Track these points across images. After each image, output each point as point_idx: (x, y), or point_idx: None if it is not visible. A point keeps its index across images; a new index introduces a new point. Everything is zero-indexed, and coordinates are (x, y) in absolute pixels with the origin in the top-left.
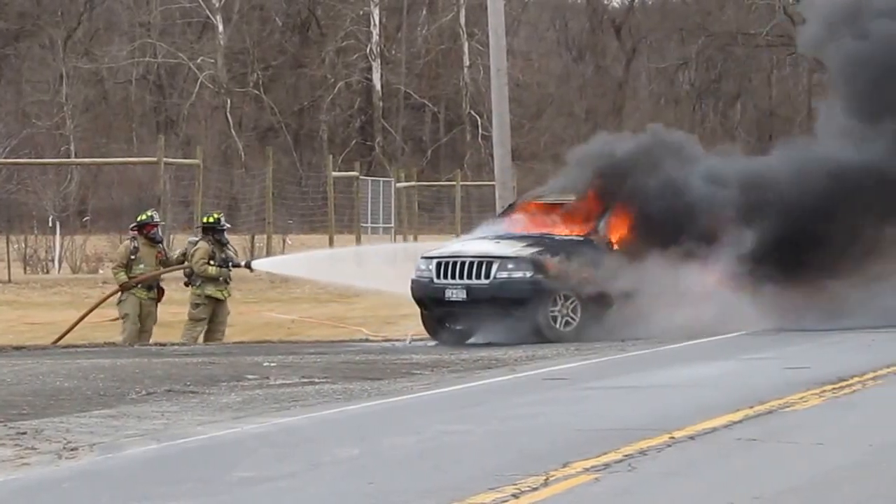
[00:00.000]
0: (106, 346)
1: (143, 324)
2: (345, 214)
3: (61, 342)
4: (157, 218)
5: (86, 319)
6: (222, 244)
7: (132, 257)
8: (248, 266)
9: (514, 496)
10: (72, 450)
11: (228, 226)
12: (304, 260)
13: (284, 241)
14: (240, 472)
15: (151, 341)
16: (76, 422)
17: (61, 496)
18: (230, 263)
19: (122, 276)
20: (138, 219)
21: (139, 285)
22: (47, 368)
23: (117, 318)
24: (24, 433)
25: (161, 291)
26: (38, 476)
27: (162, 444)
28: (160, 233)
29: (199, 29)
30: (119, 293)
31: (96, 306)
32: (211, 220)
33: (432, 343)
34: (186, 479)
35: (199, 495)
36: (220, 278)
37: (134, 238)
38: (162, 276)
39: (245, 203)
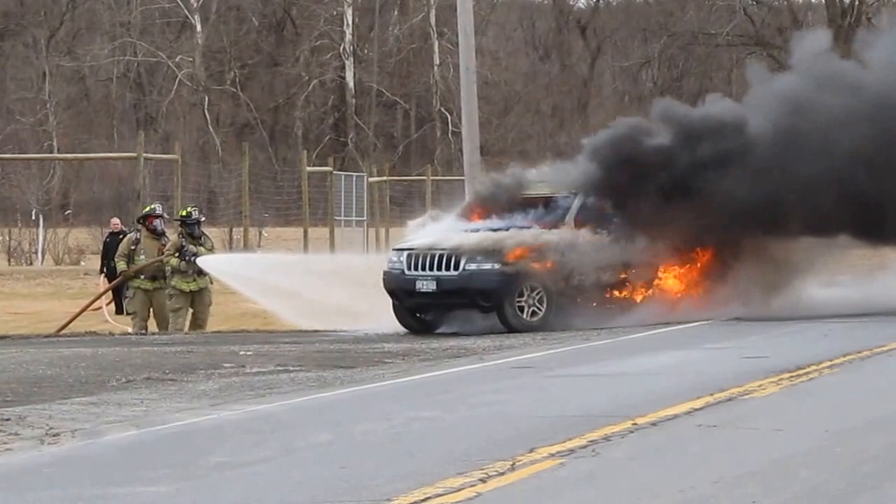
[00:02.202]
0: (87, 335)
1: (158, 313)
2: (319, 208)
3: (51, 332)
4: (159, 210)
5: (75, 310)
6: (194, 237)
7: (133, 248)
8: (193, 260)
9: (482, 480)
10: (54, 436)
11: (202, 219)
12: (240, 264)
13: (261, 233)
14: (216, 457)
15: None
16: (58, 409)
17: (44, 480)
18: (187, 256)
19: (122, 266)
20: (143, 211)
21: (141, 276)
22: (30, 357)
23: (98, 308)
24: (8, 420)
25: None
26: (21, 461)
27: (141, 431)
28: (161, 225)
29: (177, 29)
30: (126, 287)
31: (98, 297)
32: (183, 213)
33: (403, 332)
34: (165, 464)
35: (177, 480)
36: (189, 271)
37: (138, 230)
38: (155, 266)
39: (222, 197)
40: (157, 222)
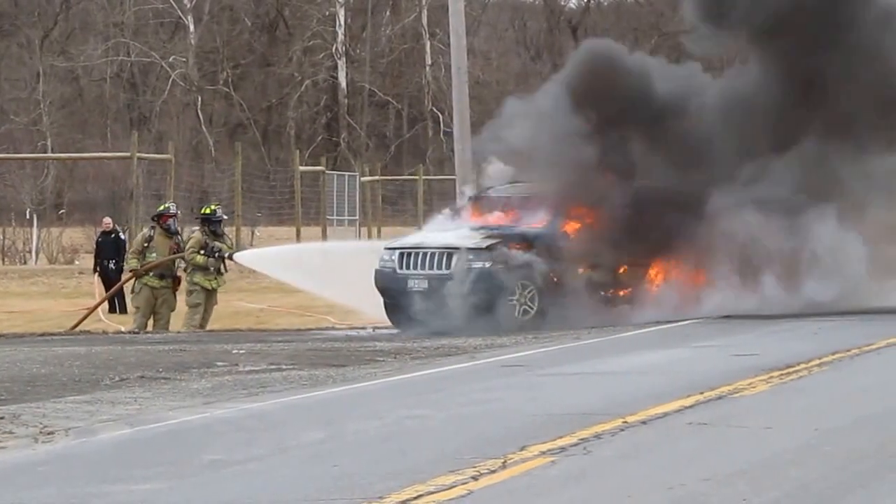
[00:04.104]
0: (81, 333)
1: (158, 311)
2: (311, 207)
3: (49, 329)
4: (173, 209)
5: (69, 309)
6: (217, 235)
7: (146, 245)
8: (230, 257)
9: (474, 478)
10: (48, 434)
11: (225, 217)
12: (287, 257)
13: (253, 233)
14: (210, 455)
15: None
16: (52, 407)
17: (38, 479)
18: (216, 253)
19: (134, 263)
20: (158, 209)
21: (150, 273)
22: (24, 356)
23: (93, 309)
24: (2, 418)
25: (177, 280)
26: (16, 459)
27: (135, 429)
28: (175, 224)
29: (171, 29)
30: (134, 282)
31: (110, 295)
32: (207, 211)
33: (395, 331)
34: (158, 462)
35: (170, 477)
36: (211, 268)
37: (152, 227)
38: (167, 264)
39: (215, 196)
40: (171, 221)
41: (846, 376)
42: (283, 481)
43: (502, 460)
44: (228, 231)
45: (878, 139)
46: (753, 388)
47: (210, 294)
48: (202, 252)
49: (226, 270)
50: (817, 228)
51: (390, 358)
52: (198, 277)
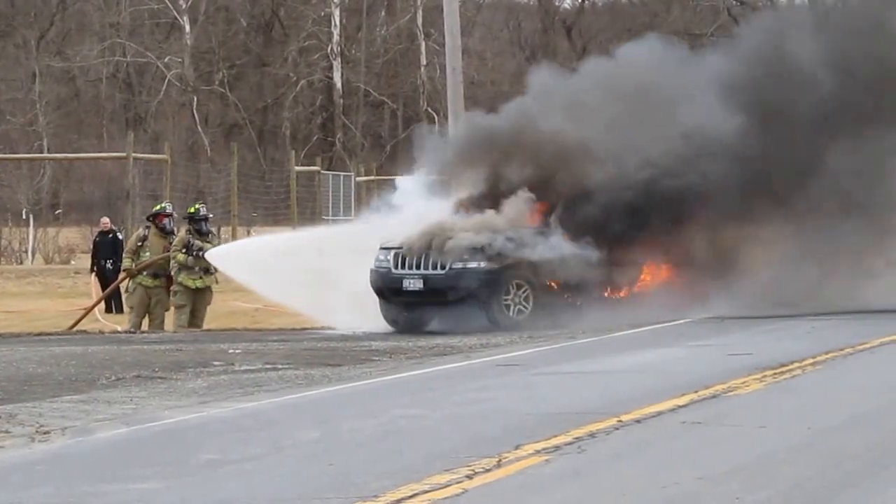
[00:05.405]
0: (77, 333)
1: (152, 311)
2: (307, 207)
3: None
4: (169, 209)
5: (66, 308)
6: (201, 234)
7: (140, 244)
8: (200, 255)
9: (468, 477)
10: (44, 433)
11: (210, 216)
12: (254, 253)
13: (249, 232)
14: (206, 454)
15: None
16: (49, 406)
17: (35, 478)
18: (195, 251)
19: (128, 263)
20: (154, 209)
21: (144, 273)
22: (21, 355)
23: (90, 308)
24: None
25: (170, 279)
26: (12, 458)
27: (131, 428)
28: (171, 224)
29: (166, 29)
30: (128, 282)
31: (106, 295)
32: (191, 210)
33: (390, 331)
34: (155, 462)
35: (166, 477)
36: (196, 268)
37: (147, 227)
38: (159, 263)
39: (211, 196)
40: (166, 221)
41: (840, 375)
42: (279, 480)
43: (497, 459)
44: (225, 231)
45: None
46: (747, 386)
47: (197, 293)
48: (184, 251)
49: (215, 270)
50: None
51: (385, 357)
52: (182, 277)
